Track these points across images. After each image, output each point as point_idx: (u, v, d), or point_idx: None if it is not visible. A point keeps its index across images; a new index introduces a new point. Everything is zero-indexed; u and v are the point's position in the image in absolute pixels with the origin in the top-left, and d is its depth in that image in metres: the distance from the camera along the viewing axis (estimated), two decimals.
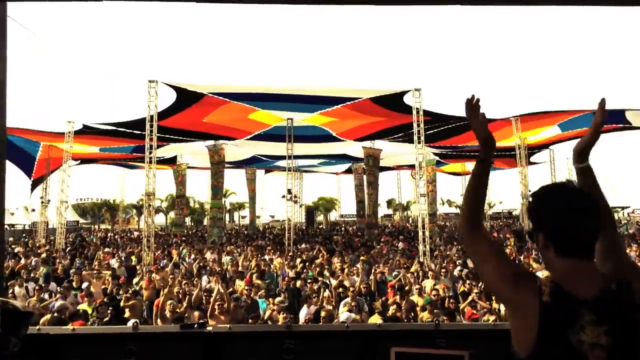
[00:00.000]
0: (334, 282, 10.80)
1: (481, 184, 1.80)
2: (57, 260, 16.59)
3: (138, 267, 14.25)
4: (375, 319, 7.67)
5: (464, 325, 5.61)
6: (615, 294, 1.49)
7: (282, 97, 19.13)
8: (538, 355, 1.48)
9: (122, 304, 9.20)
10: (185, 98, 18.63)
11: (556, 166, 32.32)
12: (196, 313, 8.17)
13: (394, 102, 18.54)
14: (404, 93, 17.83)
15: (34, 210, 28.16)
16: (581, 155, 1.87)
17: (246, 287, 10.05)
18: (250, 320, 7.75)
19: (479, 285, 10.64)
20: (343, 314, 8.13)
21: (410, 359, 2.67)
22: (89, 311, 8.61)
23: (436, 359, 2.65)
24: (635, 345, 1.45)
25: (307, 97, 18.96)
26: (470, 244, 1.78)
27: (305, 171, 39.00)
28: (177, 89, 17.84)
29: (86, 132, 22.18)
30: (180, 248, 19.98)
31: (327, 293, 9.45)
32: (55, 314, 8.02)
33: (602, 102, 1.88)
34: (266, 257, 15.43)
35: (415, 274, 12.21)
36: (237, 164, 31.06)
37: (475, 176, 1.81)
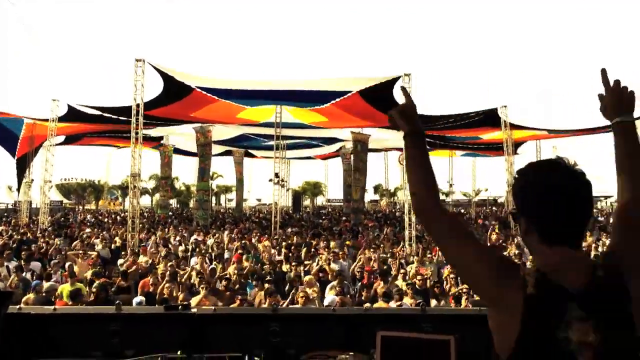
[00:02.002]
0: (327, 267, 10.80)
1: (423, 159, 1.60)
2: (41, 240, 16.43)
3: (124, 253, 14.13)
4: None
5: (449, 310, 5.66)
6: (603, 283, 1.30)
7: (271, 93, 19.09)
8: (521, 355, 1.29)
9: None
10: (173, 90, 18.28)
11: (542, 154, 32.75)
12: (181, 295, 8.13)
13: (383, 97, 18.48)
14: (394, 80, 17.67)
15: (18, 189, 27.65)
16: (615, 108, 1.61)
17: (235, 270, 10.03)
18: (239, 297, 7.63)
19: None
20: (327, 297, 8.14)
21: (396, 343, 2.66)
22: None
23: (422, 343, 2.65)
24: (626, 341, 1.27)
25: (297, 92, 18.96)
26: (436, 220, 1.53)
27: (294, 157, 38.90)
28: (164, 75, 17.40)
29: (71, 117, 21.75)
30: (166, 230, 19.86)
31: (307, 277, 9.41)
32: (44, 294, 7.93)
33: (603, 71, 1.64)
34: (246, 242, 15.29)
35: (399, 259, 12.30)
36: (225, 143, 30.77)
37: (413, 152, 1.61)
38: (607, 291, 1.29)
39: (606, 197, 52.11)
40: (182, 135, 28.29)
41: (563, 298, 1.28)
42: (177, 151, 30.76)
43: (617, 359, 1.26)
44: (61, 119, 21.80)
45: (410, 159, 1.61)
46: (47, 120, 21.86)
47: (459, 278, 9.18)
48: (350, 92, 18.54)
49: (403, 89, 1.81)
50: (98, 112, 20.75)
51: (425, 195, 1.55)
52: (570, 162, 1.42)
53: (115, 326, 2.79)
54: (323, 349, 2.85)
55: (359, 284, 10.11)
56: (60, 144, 27.19)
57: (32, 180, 26.97)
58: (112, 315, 2.88)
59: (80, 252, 12.75)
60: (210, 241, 16.18)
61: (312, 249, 13.62)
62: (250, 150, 34.17)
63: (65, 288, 8.73)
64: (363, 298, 8.35)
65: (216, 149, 29.06)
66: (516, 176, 1.49)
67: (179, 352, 2.72)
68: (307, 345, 2.91)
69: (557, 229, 1.37)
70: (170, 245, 15.02)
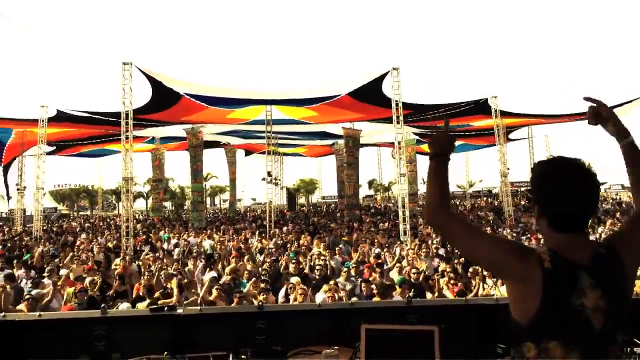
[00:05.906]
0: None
1: (442, 175, 1.81)
2: (35, 248, 16.32)
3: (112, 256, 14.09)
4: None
5: (435, 301, 5.67)
6: (605, 257, 1.57)
7: (261, 101, 19.33)
8: (541, 320, 1.51)
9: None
10: (162, 97, 18.20)
11: (534, 142, 32.91)
12: (174, 298, 8.09)
13: (372, 94, 18.60)
14: (383, 77, 17.64)
15: (10, 197, 27.43)
16: (617, 134, 1.87)
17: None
18: (237, 295, 7.62)
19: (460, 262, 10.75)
20: (318, 295, 8.11)
21: (380, 336, 2.66)
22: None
23: (406, 335, 2.66)
24: (623, 306, 1.54)
25: (287, 100, 19.27)
26: (447, 221, 1.74)
27: (285, 153, 38.78)
28: (152, 80, 17.26)
29: (60, 120, 21.57)
30: (160, 233, 19.79)
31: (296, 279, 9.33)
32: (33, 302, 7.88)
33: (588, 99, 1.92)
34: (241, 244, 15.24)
35: (400, 252, 12.32)
36: (216, 136, 30.62)
37: (435, 168, 1.82)
38: (609, 264, 1.56)
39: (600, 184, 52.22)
40: (173, 139, 28.19)
41: (575, 269, 1.53)
42: (166, 139, 30.23)
43: (618, 322, 1.53)
44: (50, 120, 21.50)
45: (431, 172, 1.82)
46: (35, 120, 21.46)
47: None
48: (339, 95, 18.77)
49: (445, 120, 2.13)
50: (88, 115, 20.66)
51: (436, 204, 1.75)
52: (585, 164, 1.63)
53: (100, 330, 2.78)
54: (309, 344, 2.86)
55: (359, 279, 10.09)
56: (50, 153, 26.94)
57: (25, 187, 26.78)
58: (97, 319, 2.88)
59: (75, 258, 12.68)
60: (207, 243, 16.10)
61: (308, 246, 13.63)
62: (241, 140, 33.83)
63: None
64: (364, 293, 8.41)
65: (207, 143, 28.97)
66: (536, 167, 1.69)
67: (164, 354, 2.73)
68: (294, 341, 2.91)
69: (564, 219, 1.61)
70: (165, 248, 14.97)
